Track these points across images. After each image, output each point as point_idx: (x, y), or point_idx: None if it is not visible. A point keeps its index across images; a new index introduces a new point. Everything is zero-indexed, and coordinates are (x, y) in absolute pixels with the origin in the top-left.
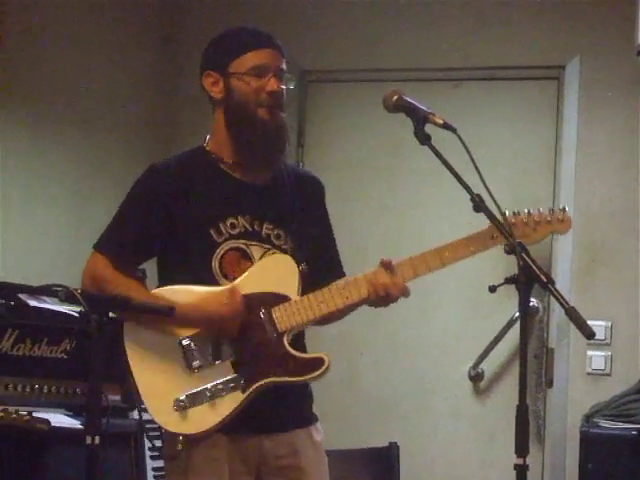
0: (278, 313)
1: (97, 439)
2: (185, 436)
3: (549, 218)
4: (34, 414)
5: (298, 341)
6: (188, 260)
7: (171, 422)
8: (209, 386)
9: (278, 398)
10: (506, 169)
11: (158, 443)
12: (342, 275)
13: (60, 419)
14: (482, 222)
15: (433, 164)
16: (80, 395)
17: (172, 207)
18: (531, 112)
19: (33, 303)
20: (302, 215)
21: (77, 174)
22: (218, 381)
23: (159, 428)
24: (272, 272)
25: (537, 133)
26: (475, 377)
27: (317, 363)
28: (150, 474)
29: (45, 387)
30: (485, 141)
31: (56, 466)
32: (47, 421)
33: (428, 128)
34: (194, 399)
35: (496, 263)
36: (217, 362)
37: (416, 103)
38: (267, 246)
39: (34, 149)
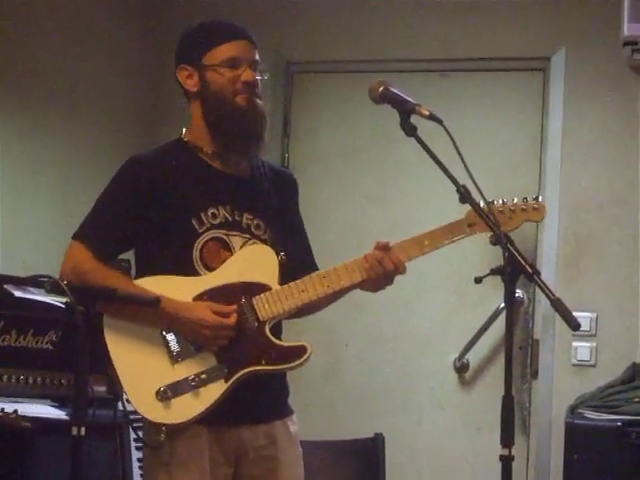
0: (259, 302)
1: (83, 430)
2: (168, 426)
3: (524, 207)
4: (20, 410)
5: (276, 331)
6: (169, 250)
7: (154, 412)
8: (192, 376)
9: (258, 389)
10: (492, 160)
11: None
12: (316, 269)
13: (45, 410)
14: None
15: (420, 155)
16: (66, 386)
17: (152, 197)
18: (517, 103)
19: (19, 294)
20: (279, 208)
21: (62, 164)
22: (201, 370)
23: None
24: (252, 262)
25: (523, 124)
26: (460, 368)
27: (299, 351)
28: (135, 464)
29: (30, 378)
30: (471, 132)
31: (41, 457)
32: (31, 418)
33: (414, 119)
34: (177, 389)
35: (481, 254)
36: (200, 352)
37: (402, 94)
38: (247, 236)
39: (18, 139)
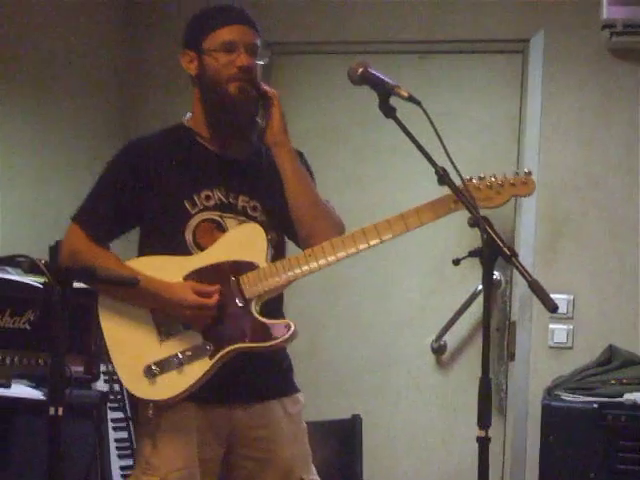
0: (245, 280)
1: (60, 410)
2: (155, 402)
3: (512, 181)
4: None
5: (275, 308)
6: (163, 231)
7: (141, 389)
8: (178, 353)
9: (251, 368)
10: (470, 142)
11: (120, 415)
12: None
13: (23, 390)
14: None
15: (399, 137)
16: (43, 366)
17: (148, 180)
18: (496, 85)
19: None
20: (280, 188)
21: (38, 144)
22: (186, 348)
23: (121, 399)
24: (241, 241)
25: (502, 106)
26: (438, 350)
27: (283, 329)
28: (113, 445)
29: (8, 358)
30: (450, 114)
31: (19, 437)
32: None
33: (393, 101)
34: (163, 366)
35: (460, 236)
36: (187, 330)
37: (382, 76)
38: (242, 218)
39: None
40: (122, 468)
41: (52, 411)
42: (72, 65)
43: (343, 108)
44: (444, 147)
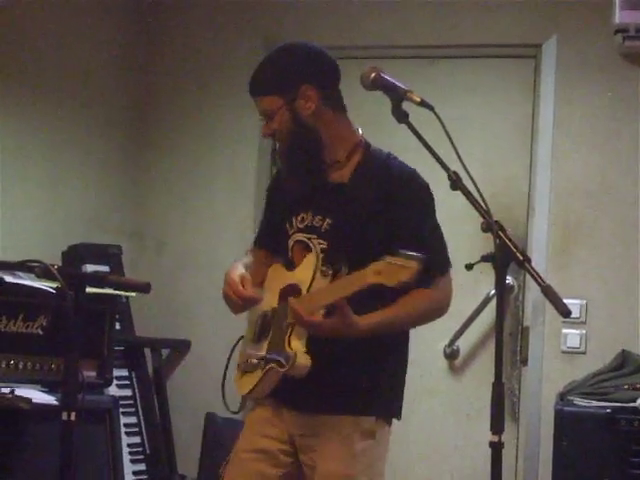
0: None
1: (73, 415)
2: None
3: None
4: (16, 392)
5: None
6: (281, 248)
7: (235, 382)
8: (250, 358)
9: (308, 380)
10: (482, 147)
11: (133, 419)
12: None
13: (36, 395)
14: (459, 199)
15: (411, 142)
16: (56, 371)
17: (275, 205)
18: (508, 90)
19: (9, 279)
20: (372, 210)
21: (52, 149)
22: (255, 355)
23: (134, 404)
24: (307, 267)
25: (514, 111)
26: (450, 355)
27: (285, 358)
28: (125, 450)
29: (21, 363)
30: (461, 119)
31: (31, 442)
32: (29, 400)
33: (406, 106)
34: (244, 366)
35: (472, 241)
36: (266, 339)
37: (394, 81)
38: (323, 240)
39: (5, 124)
40: (135, 473)
41: (65, 416)
42: (85, 68)
43: (354, 113)
44: (457, 152)
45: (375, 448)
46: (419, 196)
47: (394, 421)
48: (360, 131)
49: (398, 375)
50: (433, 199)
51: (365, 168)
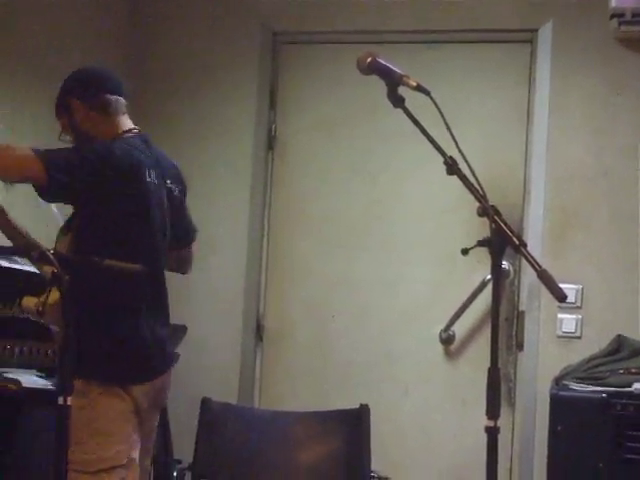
0: None
1: (69, 400)
2: None
3: None
4: (5, 375)
5: None
6: None
7: None
8: None
9: None
10: (478, 132)
11: None
12: None
13: (32, 380)
14: (455, 184)
15: (407, 126)
16: (52, 356)
17: None
18: (504, 75)
19: (5, 264)
20: None
21: (48, 142)
22: None
23: None
24: None
25: (510, 96)
26: (446, 340)
27: None
28: None
29: (17, 348)
30: (457, 104)
31: (27, 427)
32: (17, 381)
33: (402, 91)
34: None
35: (468, 226)
36: None
37: (390, 65)
38: None
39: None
40: None
41: (61, 400)
42: (80, 58)
43: (350, 98)
44: (453, 137)
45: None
46: None
47: (390, 406)
48: (128, 126)
49: (108, 338)
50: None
51: None
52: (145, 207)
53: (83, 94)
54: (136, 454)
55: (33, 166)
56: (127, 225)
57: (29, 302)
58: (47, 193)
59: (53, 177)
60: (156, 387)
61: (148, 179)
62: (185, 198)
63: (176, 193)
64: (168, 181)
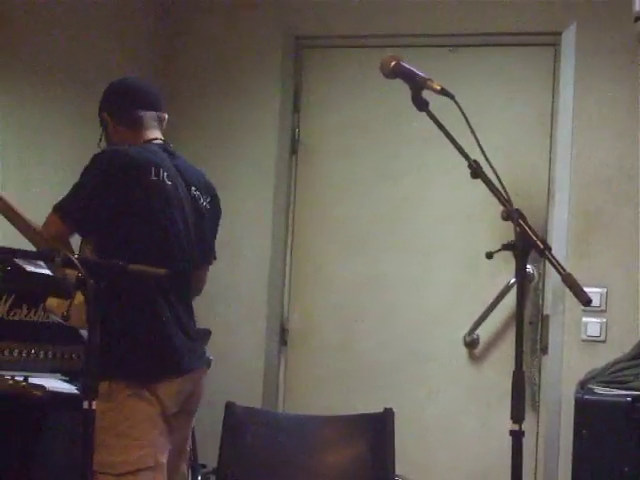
0: None
1: (93, 404)
2: None
3: None
4: (30, 380)
5: None
6: None
7: None
8: None
9: None
10: (502, 136)
11: None
12: None
13: (56, 384)
14: (480, 188)
15: (431, 130)
16: (76, 360)
17: None
18: (528, 79)
19: (30, 268)
20: None
21: (75, 141)
22: None
23: None
24: None
25: (533, 100)
26: (470, 343)
27: None
28: None
29: (41, 352)
30: (481, 107)
31: (53, 430)
32: (42, 387)
33: (426, 94)
34: None
35: (493, 229)
36: None
37: (414, 69)
38: None
39: (31, 115)
40: None
41: (86, 405)
42: (105, 62)
43: (374, 102)
44: (477, 140)
45: (113, 410)
46: None
47: (414, 409)
48: (150, 137)
49: (130, 335)
50: (94, 164)
51: None
52: (148, 205)
53: (113, 109)
54: (164, 458)
55: (52, 227)
56: (131, 225)
57: (52, 302)
58: (76, 232)
59: (67, 223)
60: (186, 390)
61: (154, 177)
62: (216, 212)
63: (202, 202)
64: (193, 188)
